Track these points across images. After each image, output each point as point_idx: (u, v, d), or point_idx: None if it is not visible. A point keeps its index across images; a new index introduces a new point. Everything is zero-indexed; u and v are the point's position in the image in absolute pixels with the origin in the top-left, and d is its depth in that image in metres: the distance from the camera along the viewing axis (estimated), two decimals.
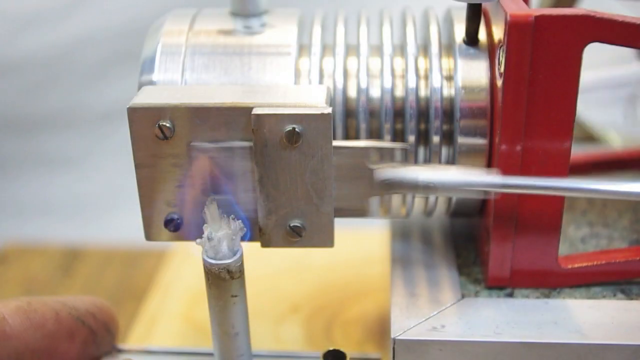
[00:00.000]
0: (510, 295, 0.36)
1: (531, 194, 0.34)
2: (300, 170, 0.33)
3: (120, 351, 0.37)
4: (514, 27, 0.31)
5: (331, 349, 0.35)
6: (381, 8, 0.39)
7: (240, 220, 0.32)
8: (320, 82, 0.36)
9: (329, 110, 0.32)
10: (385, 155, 0.33)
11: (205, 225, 0.31)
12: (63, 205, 0.82)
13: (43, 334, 0.33)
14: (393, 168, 0.33)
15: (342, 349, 0.35)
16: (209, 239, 0.31)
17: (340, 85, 0.36)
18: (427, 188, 0.33)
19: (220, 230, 0.31)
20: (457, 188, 0.32)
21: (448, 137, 0.36)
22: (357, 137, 0.36)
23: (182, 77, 0.36)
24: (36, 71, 0.83)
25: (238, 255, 0.31)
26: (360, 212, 0.34)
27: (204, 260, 0.31)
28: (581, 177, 0.33)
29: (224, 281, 0.31)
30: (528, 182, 0.33)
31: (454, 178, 0.32)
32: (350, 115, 0.36)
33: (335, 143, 0.33)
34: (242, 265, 0.32)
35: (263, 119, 0.32)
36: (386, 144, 0.35)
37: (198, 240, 0.31)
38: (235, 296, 0.32)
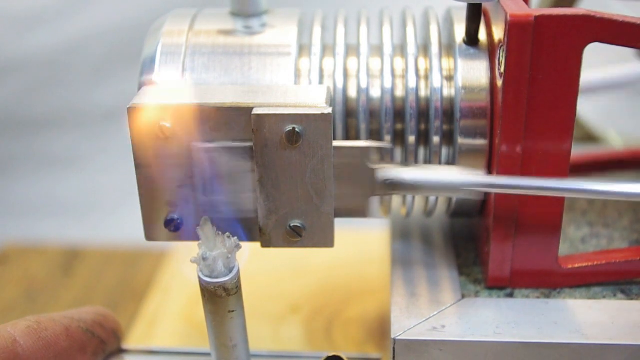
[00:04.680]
0: (511, 295, 0.36)
1: (531, 195, 0.34)
2: (300, 171, 0.33)
3: (123, 351, 0.37)
4: (514, 27, 0.31)
5: (331, 354, 0.35)
6: (381, 8, 0.39)
7: (235, 237, 0.31)
8: (321, 82, 0.36)
9: (329, 110, 0.32)
10: (384, 155, 0.33)
11: (199, 243, 0.31)
12: (63, 205, 0.82)
13: (56, 351, 0.32)
14: (394, 168, 0.33)
15: (342, 353, 0.35)
16: (204, 258, 0.30)
17: (340, 85, 0.36)
18: (417, 188, 0.33)
19: (215, 249, 0.30)
20: (447, 188, 0.33)
21: (448, 137, 0.36)
22: (357, 137, 0.36)
23: (182, 77, 0.36)
24: (37, 71, 0.83)
25: (234, 272, 0.31)
26: (359, 212, 0.34)
27: (199, 278, 0.31)
28: (577, 178, 0.33)
29: (220, 298, 0.31)
30: (523, 183, 0.33)
31: (443, 178, 0.32)
32: (351, 116, 0.36)
33: (334, 143, 0.33)
34: (238, 281, 0.31)
35: (263, 119, 0.32)
36: (373, 143, 0.34)
37: (192, 258, 0.30)
38: (233, 311, 0.31)
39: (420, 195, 0.38)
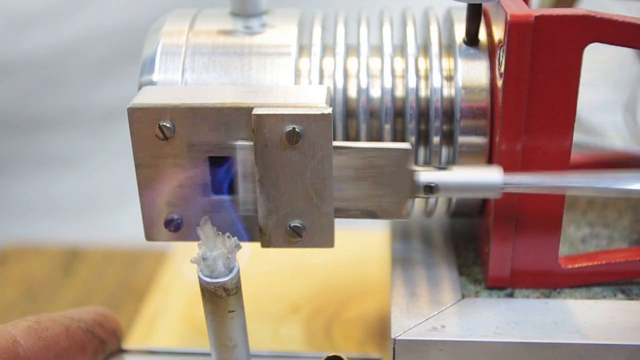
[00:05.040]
0: (511, 295, 0.36)
1: (531, 194, 0.34)
2: (300, 171, 0.33)
3: (124, 351, 0.37)
4: (514, 27, 0.31)
5: (331, 354, 0.34)
6: (381, 8, 0.39)
7: (235, 237, 0.31)
8: (321, 82, 0.36)
9: (329, 110, 0.32)
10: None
11: (199, 243, 0.30)
12: (63, 205, 0.82)
13: (56, 351, 0.32)
14: (433, 171, 0.33)
15: (342, 353, 0.35)
16: (204, 258, 0.30)
17: (340, 86, 0.36)
18: (458, 190, 0.32)
19: (215, 250, 0.30)
20: (488, 189, 0.32)
21: (448, 138, 0.36)
22: (357, 138, 0.36)
23: (182, 77, 0.36)
24: (37, 71, 0.83)
25: (234, 272, 0.31)
26: (397, 214, 0.34)
27: (199, 278, 0.31)
28: (590, 173, 0.32)
29: (220, 298, 0.31)
30: (566, 181, 0.32)
31: (484, 180, 0.32)
32: (351, 116, 0.36)
33: (372, 145, 0.33)
34: (238, 281, 0.31)
35: (263, 119, 0.32)
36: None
37: (192, 258, 0.30)
38: (233, 311, 0.31)
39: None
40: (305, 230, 0.34)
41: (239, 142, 0.33)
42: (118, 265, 0.65)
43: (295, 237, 0.34)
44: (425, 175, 0.33)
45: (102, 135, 0.84)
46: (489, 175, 0.32)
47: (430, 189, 0.33)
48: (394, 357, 0.34)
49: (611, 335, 0.33)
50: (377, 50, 0.37)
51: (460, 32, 0.36)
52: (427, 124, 0.36)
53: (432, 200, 0.38)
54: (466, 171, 0.33)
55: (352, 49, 0.37)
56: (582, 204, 0.44)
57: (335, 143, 0.32)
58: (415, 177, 0.33)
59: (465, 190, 0.33)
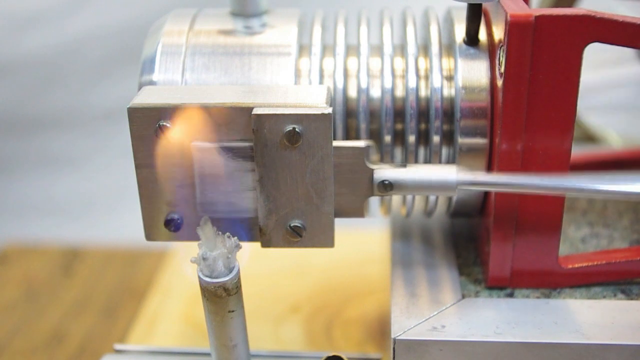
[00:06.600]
0: (511, 295, 0.36)
1: (532, 194, 0.34)
2: (300, 171, 0.33)
3: (124, 352, 0.37)
4: (515, 27, 0.31)
5: (331, 354, 0.34)
6: (381, 8, 0.39)
7: (235, 237, 0.31)
8: (321, 82, 0.36)
9: (329, 110, 0.32)
10: (382, 155, 0.33)
11: (199, 243, 0.31)
12: (64, 205, 0.82)
13: None
14: (390, 169, 0.33)
15: (342, 353, 0.35)
16: (204, 258, 0.30)
17: (340, 85, 0.36)
18: (413, 188, 0.33)
19: (216, 250, 0.30)
20: (441, 188, 0.33)
21: (448, 137, 0.36)
22: (357, 137, 0.36)
23: (182, 77, 0.36)
24: (37, 71, 0.83)
25: (234, 272, 0.31)
26: (357, 212, 0.34)
27: (199, 278, 0.31)
28: (574, 175, 0.32)
29: (220, 298, 0.31)
30: (518, 181, 0.33)
31: (437, 178, 0.32)
32: (351, 116, 0.36)
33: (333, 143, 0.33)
34: (238, 281, 0.31)
35: (263, 119, 0.32)
36: (370, 142, 0.34)
37: (192, 258, 0.30)
38: (233, 311, 0.31)
39: (419, 195, 0.38)
40: (305, 230, 0.34)
41: (239, 142, 0.33)
42: (118, 265, 0.65)
43: (295, 237, 0.34)
44: (381, 172, 0.33)
45: (102, 136, 0.84)
46: (445, 173, 0.33)
47: (386, 186, 0.33)
48: (394, 357, 0.34)
49: (611, 335, 0.33)
50: (377, 50, 0.37)
51: (460, 32, 0.36)
52: (427, 124, 0.36)
53: (432, 199, 0.38)
54: (422, 169, 0.33)
55: (352, 49, 0.37)
56: (582, 204, 0.44)
57: None
58: (373, 176, 0.33)
59: (420, 188, 0.33)
